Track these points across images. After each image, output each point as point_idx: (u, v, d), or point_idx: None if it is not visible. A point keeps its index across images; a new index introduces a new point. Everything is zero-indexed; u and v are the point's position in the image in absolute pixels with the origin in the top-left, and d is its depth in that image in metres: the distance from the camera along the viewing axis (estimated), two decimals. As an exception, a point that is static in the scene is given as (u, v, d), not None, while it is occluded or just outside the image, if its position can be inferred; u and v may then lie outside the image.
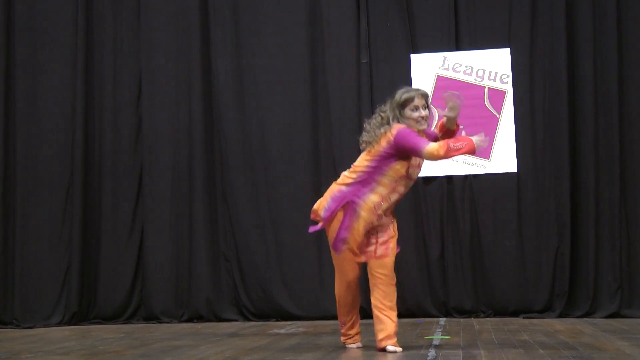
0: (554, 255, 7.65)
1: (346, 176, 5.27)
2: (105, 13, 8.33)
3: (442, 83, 7.87)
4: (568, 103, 7.70)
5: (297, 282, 7.94)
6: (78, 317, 7.99)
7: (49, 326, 7.85)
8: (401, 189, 5.21)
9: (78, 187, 8.09)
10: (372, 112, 7.75)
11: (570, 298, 7.59)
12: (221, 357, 5.13)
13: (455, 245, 7.80)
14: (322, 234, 5.71)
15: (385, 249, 5.23)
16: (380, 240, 5.23)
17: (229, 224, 8.08)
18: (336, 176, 7.53)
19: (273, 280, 7.96)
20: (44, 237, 8.07)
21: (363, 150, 5.26)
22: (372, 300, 5.24)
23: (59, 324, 7.91)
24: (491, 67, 7.85)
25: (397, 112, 5.17)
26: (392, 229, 5.32)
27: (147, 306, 8.10)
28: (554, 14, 7.79)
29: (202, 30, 8.23)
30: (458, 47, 7.92)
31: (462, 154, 5.07)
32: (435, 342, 5.66)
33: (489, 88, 7.85)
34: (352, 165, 5.30)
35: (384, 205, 5.18)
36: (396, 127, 5.12)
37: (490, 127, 7.74)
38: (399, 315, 7.78)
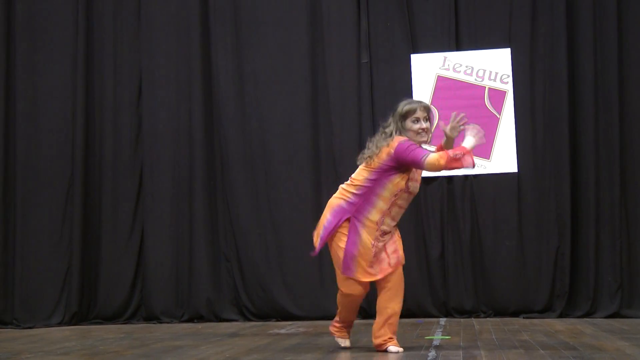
0: (554, 255, 7.65)
1: (345, 190, 5.22)
2: (106, 13, 8.34)
3: (443, 83, 7.87)
4: (568, 103, 7.70)
5: (297, 282, 7.94)
6: (78, 317, 7.99)
7: (49, 326, 7.86)
8: (401, 203, 5.18)
9: (78, 187, 8.09)
10: (372, 112, 7.84)
11: (570, 298, 7.59)
12: (221, 357, 5.13)
13: (455, 245, 7.80)
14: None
15: (397, 257, 5.19)
16: (390, 250, 5.19)
17: (229, 224, 8.08)
18: (336, 176, 7.63)
19: (273, 280, 7.96)
20: (44, 237, 8.07)
21: (359, 163, 5.23)
22: (379, 301, 5.18)
23: (60, 324, 7.91)
24: (491, 67, 7.85)
25: (399, 124, 5.17)
26: (396, 235, 5.28)
27: (147, 306, 8.10)
28: (554, 14, 7.79)
29: (202, 30, 8.23)
30: (458, 47, 7.92)
31: (462, 165, 5.02)
32: (435, 342, 5.66)
33: (489, 88, 7.85)
34: (350, 179, 5.25)
35: (387, 220, 5.14)
36: (397, 140, 5.10)
37: (490, 127, 7.74)
38: (399, 316, 7.82)
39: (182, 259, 8.11)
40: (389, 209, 5.13)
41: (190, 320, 7.99)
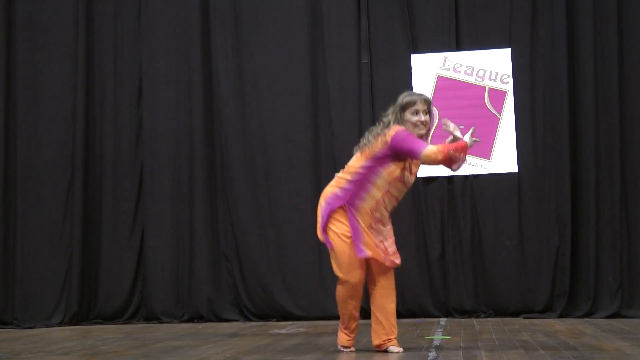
0: (555, 256, 7.65)
1: (340, 177, 5.20)
2: (106, 13, 8.34)
3: (443, 83, 7.87)
4: (568, 103, 7.70)
5: (297, 282, 7.94)
6: (79, 317, 7.99)
7: (49, 326, 7.86)
8: (395, 193, 5.14)
9: (79, 188, 8.09)
10: (372, 112, 7.84)
11: (570, 298, 7.59)
12: (222, 357, 5.13)
13: (455, 245, 7.80)
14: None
15: (395, 257, 5.18)
16: (390, 250, 5.17)
17: (230, 224, 8.08)
18: (336, 176, 7.63)
19: (273, 281, 7.96)
20: (44, 237, 8.07)
21: (355, 152, 5.21)
22: (375, 302, 5.18)
23: (60, 324, 7.91)
24: (492, 67, 7.85)
25: (398, 115, 5.15)
26: (392, 235, 5.25)
27: (147, 306, 8.10)
28: (554, 14, 7.79)
29: (202, 30, 8.24)
30: (459, 47, 7.92)
31: (458, 160, 5.00)
32: (435, 343, 5.66)
33: (489, 88, 7.85)
34: (345, 166, 5.25)
35: (380, 209, 5.12)
36: (394, 129, 5.09)
37: (490, 127, 7.75)
38: (400, 316, 7.81)
39: (183, 259, 8.11)
40: (382, 197, 5.10)
41: (190, 320, 8.00)
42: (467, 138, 5.10)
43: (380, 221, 5.15)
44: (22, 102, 8.18)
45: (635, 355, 4.80)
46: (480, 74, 7.86)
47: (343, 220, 5.11)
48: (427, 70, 7.90)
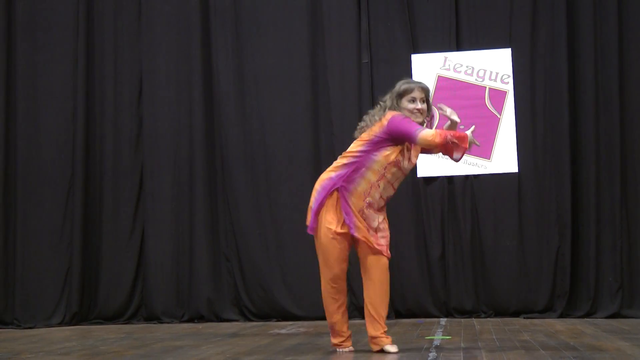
0: (555, 256, 7.65)
1: (337, 162, 5.21)
2: (106, 13, 8.34)
3: (443, 83, 7.87)
4: (569, 103, 7.70)
5: (297, 282, 7.94)
6: (79, 318, 7.99)
7: (49, 326, 7.86)
8: (390, 178, 5.12)
9: (79, 188, 8.09)
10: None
11: (571, 298, 7.58)
12: (222, 358, 5.12)
13: (456, 245, 7.80)
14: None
15: (386, 245, 5.14)
16: (383, 241, 5.14)
17: (230, 224, 8.08)
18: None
19: (274, 280, 7.96)
20: (44, 237, 8.08)
21: (356, 137, 5.22)
22: (366, 299, 5.13)
23: (60, 324, 7.91)
24: (492, 67, 7.85)
25: (395, 102, 5.16)
26: (387, 229, 5.23)
27: (147, 306, 8.10)
28: (554, 14, 7.79)
29: (202, 30, 8.24)
30: (459, 47, 7.93)
31: (456, 149, 4.98)
32: (436, 343, 5.66)
33: (489, 88, 7.85)
34: (343, 153, 5.25)
35: (373, 192, 5.09)
36: (390, 113, 5.10)
37: (491, 127, 7.75)
38: (400, 316, 7.84)
39: (183, 259, 8.11)
40: (377, 181, 5.09)
41: (190, 320, 8.00)
42: (468, 132, 5.07)
43: (372, 206, 5.11)
44: (22, 102, 8.19)
45: (635, 355, 4.80)
46: (481, 74, 7.86)
47: (333, 211, 5.11)
48: (427, 70, 7.90)
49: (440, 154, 5.35)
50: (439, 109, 5.26)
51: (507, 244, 7.74)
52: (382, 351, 5.12)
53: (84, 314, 8.06)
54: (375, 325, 5.11)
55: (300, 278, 7.94)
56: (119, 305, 8.08)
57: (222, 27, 8.21)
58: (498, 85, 7.83)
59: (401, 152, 5.12)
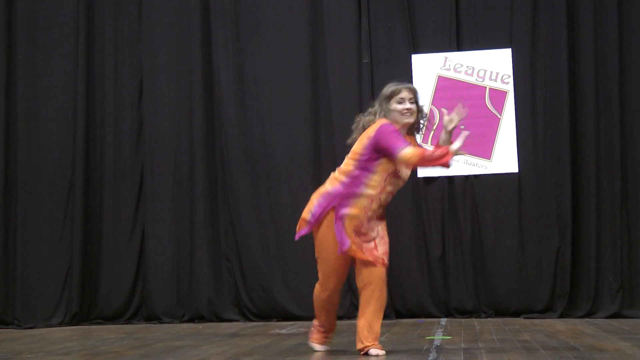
0: (555, 256, 7.65)
1: (335, 178, 5.11)
2: (106, 13, 8.34)
3: (443, 83, 7.87)
4: (569, 103, 7.70)
5: (298, 282, 7.94)
6: (79, 318, 7.99)
7: (50, 326, 7.86)
8: (391, 189, 5.03)
9: (79, 188, 8.09)
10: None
11: (571, 298, 7.59)
12: (222, 358, 5.12)
13: (456, 245, 7.80)
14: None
15: (385, 257, 5.01)
16: (381, 250, 5.01)
17: (230, 224, 8.08)
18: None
19: (274, 281, 7.96)
20: (45, 237, 8.08)
21: (350, 145, 5.12)
22: (361, 303, 5.01)
23: (60, 324, 7.91)
24: (492, 67, 7.85)
25: (384, 105, 5.06)
26: (386, 235, 5.11)
27: (148, 306, 8.10)
28: (555, 14, 7.79)
29: (203, 30, 8.24)
30: (459, 47, 7.93)
31: (436, 165, 4.88)
32: (436, 343, 5.66)
33: (490, 88, 7.85)
34: (341, 166, 5.15)
35: (374, 205, 5.00)
36: (379, 122, 5.00)
37: (491, 127, 7.75)
38: (400, 316, 7.84)
39: (183, 259, 8.11)
40: (378, 194, 4.99)
41: (191, 320, 8.00)
42: (455, 145, 4.92)
43: (372, 218, 5.02)
44: (22, 102, 8.18)
45: (635, 355, 4.79)
46: (481, 74, 7.86)
47: (332, 225, 5.00)
48: (427, 70, 7.90)
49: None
50: (442, 112, 5.16)
51: (507, 244, 7.74)
52: (366, 354, 4.99)
53: (84, 314, 8.06)
54: (365, 328, 4.98)
55: (300, 278, 7.93)
56: (119, 305, 8.08)
57: (223, 27, 8.21)
58: (498, 85, 7.83)
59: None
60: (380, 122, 5.01)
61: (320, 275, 5.14)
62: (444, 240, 7.83)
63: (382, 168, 4.98)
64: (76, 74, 8.21)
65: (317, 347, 5.31)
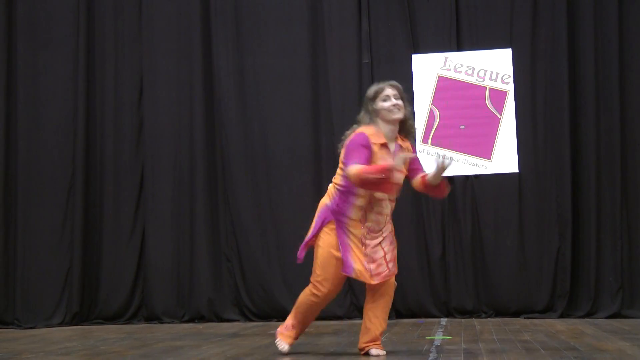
0: (555, 256, 7.65)
1: (330, 189, 5.11)
2: (107, 13, 8.34)
3: (444, 83, 7.87)
4: (569, 103, 7.70)
5: (298, 283, 7.89)
6: (79, 318, 7.99)
7: (50, 326, 7.86)
8: (380, 195, 4.94)
9: (79, 188, 8.09)
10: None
11: (571, 298, 7.59)
12: (222, 358, 5.13)
13: (456, 245, 7.80)
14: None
15: (394, 267, 5.07)
16: (389, 257, 5.04)
17: (230, 225, 8.08)
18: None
19: (274, 281, 7.96)
20: (45, 237, 8.08)
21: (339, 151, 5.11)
22: (369, 308, 5.05)
23: (61, 324, 7.91)
24: (492, 67, 7.84)
25: (370, 107, 5.00)
26: (395, 242, 5.14)
27: (148, 306, 8.10)
28: (555, 14, 7.79)
29: (203, 30, 8.23)
30: (459, 47, 7.92)
31: (380, 180, 4.76)
32: (436, 343, 5.66)
33: (490, 88, 7.84)
34: (333, 178, 5.15)
35: (370, 216, 4.96)
36: (355, 132, 4.96)
37: (491, 127, 7.74)
38: (400, 316, 7.84)
39: (183, 259, 8.11)
40: (367, 204, 4.94)
41: (191, 320, 8.00)
42: (397, 159, 4.85)
43: (373, 230, 4.99)
44: (22, 102, 8.18)
45: (636, 355, 4.80)
46: (481, 74, 7.85)
47: (334, 234, 5.00)
48: (427, 70, 7.90)
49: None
50: (437, 156, 5.11)
51: (507, 244, 7.74)
52: (367, 354, 5.04)
53: (84, 314, 8.06)
54: (368, 329, 5.02)
55: (300, 278, 7.90)
56: (119, 305, 8.08)
57: (223, 27, 8.21)
58: (498, 85, 7.83)
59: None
60: (357, 131, 4.97)
61: (317, 278, 5.13)
62: (444, 240, 7.83)
63: None
64: (76, 74, 8.21)
65: (286, 347, 5.27)
